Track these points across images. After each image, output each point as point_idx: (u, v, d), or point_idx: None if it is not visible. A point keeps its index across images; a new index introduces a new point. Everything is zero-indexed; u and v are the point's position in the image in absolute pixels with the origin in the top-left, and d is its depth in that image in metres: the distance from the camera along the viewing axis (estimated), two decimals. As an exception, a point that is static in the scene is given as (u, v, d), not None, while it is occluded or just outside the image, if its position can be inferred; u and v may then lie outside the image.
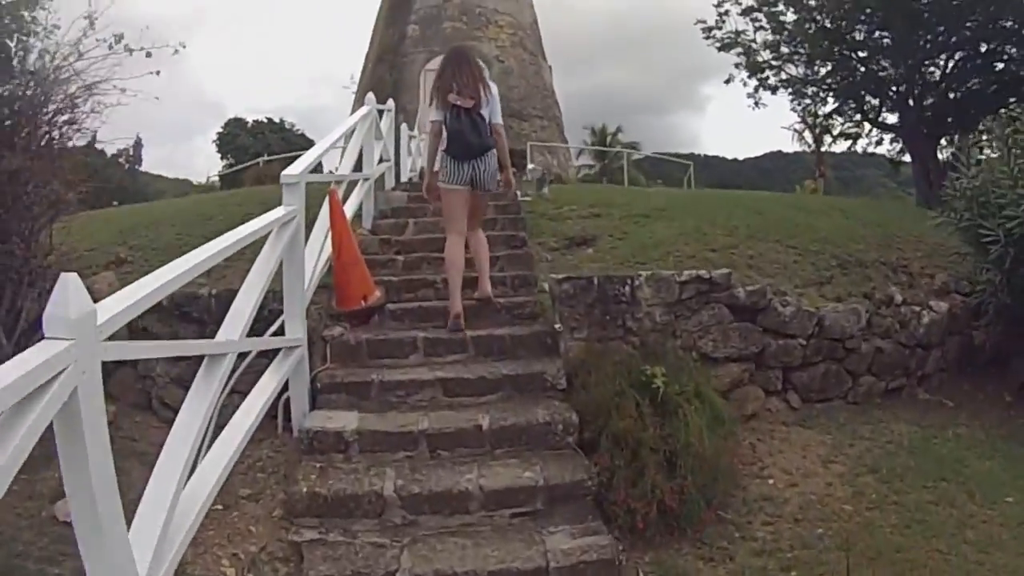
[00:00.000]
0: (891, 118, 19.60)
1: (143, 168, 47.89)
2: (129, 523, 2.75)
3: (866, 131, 21.25)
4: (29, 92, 5.45)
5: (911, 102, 17.90)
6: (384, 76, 23.42)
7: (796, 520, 4.82)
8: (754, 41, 20.03)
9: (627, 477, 4.53)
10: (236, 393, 4.67)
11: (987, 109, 15.37)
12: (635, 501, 4.41)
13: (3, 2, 6.01)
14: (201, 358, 3.55)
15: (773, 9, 19.24)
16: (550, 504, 4.47)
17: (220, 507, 4.46)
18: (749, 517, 4.84)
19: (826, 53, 18.51)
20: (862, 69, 18.59)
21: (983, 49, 16.80)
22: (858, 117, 20.70)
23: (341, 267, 5.93)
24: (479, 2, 24.16)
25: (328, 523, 4.35)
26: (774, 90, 20.43)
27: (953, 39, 16.69)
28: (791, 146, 39.53)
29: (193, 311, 5.90)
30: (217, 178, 36.57)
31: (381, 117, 9.74)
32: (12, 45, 5.73)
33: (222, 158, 42.12)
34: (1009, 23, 15.76)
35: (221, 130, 44.12)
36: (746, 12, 19.75)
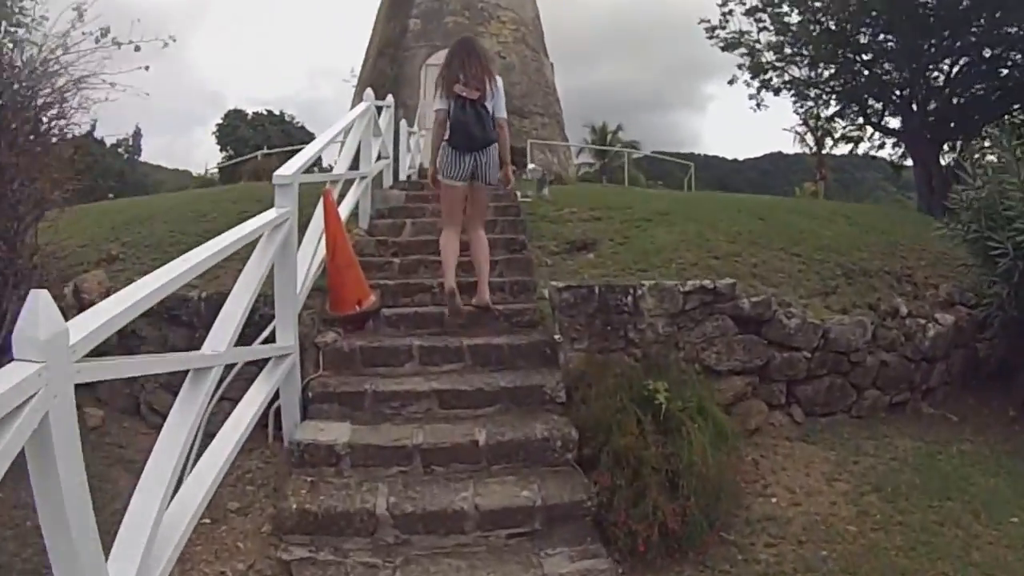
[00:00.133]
0: (893, 122, 19.57)
1: (143, 158, 47.74)
2: (114, 536, 2.67)
3: (868, 135, 21.29)
4: (15, 86, 5.26)
5: (914, 106, 17.86)
6: (385, 70, 23.24)
7: (800, 542, 4.68)
8: (758, 42, 20.01)
9: (628, 497, 4.37)
10: (227, 400, 4.56)
11: (990, 115, 15.40)
12: (636, 523, 4.25)
13: None
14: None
15: (777, 10, 19.20)
16: (548, 524, 4.32)
17: (208, 521, 4.34)
18: (752, 538, 4.69)
19: (830, 55, 18.44)
20: (866, 72, 18.54)
21: (987, 55, 16.69)
22: (860, 120, 20.70)
23: (335, 270, 5.77)
24: (481, -3, 24.02)
25: (318, 541, 4.20)
26: (777, 91, 20.43)
27: (958, 44, 16.64)
28: (791, 148, 39.39)
29: (183, 315, 5.76)
30: (216, 170, 36.41)
31: (380, 113, 9.57)
32: None
33: (221, 150, 41.81)
34: (1014, 29, 15.65)
35: (221, 121, 43.76)
36: (750, 12, 19.71)
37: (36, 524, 4.13)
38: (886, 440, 6.13)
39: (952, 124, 17.69)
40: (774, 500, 5.14)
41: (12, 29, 5.68)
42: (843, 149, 24.04)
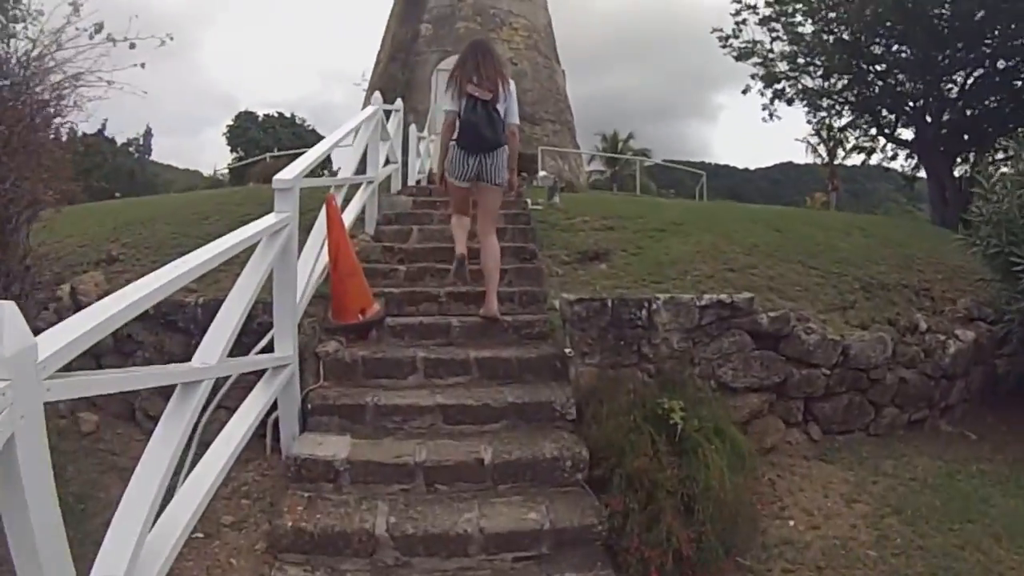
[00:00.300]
0: (906, 133, 19.54)
1: (153, 158, 47.72)
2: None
3: (881, 145, 21.22)
4: (7, 81, 5.09)
5: (928, 118, 17.79)
6: (396, 75, 23.15)
7: (818, 567, 4.48)
8: (771, 51, 19.99)
9: (641, 522, 4.15)
10: (224, 408, 4.39)
11: (1004, 127, 15.30)
12: (649, 549, 4.03)
13: None
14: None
15: (790, 20, 19.19)
16: (557, 549, 4.11)
17: (201, 535, 4.18)
18: (769, 564, 4.49)
19: (843, 66, 18.41)
20: (879, 83, 18.51)
21: (1001, 66, 16.61)
22: (873, 131, 20.67)
23: (338, 278, 5.57)
24: (493, 3, 23.87)
25: (314, 560, 4.00)
26: (790, 102, 20.42)
27: (971, 55, 16.56)
28: (802, 157, 39.36)
29: (179, 320, 5.59)
30: (227, 171, 36.38)
31: (389, 117, 9.41)
32: None
33: (232, 151, 41.82)
34: (1028, 41, 15.54)
35: (231, 123, 43.70)
36: (763, 22, 19.70)
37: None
38: (905, 459, 5.96)
39: (965, 136, 17.66)
40: (791, 523, 4.95)
41: (6, 24, 5.50)
42: (855, 160, 24.11)
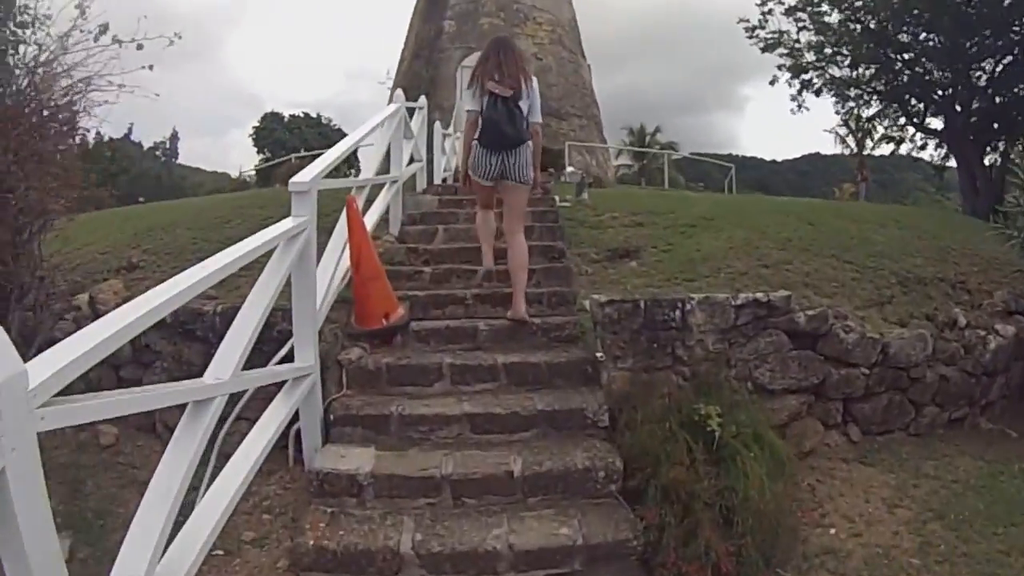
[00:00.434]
0: (935, 123, 19.33)
1: (181, 161, 48.17)
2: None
3: (910, 135, 21.04)
4: (16, 87, 4.96)
5: (957, 106, 17.59)
6: (420, 72, 23.07)
7: (861, 578, 4.29)
8: (797, 41, 19.86)
9: (678, 536, 3.97)
10: (243, 419, 4.29)
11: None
12: (687, 564, 3.85)
13: None
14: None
15: (817, 9, 19.05)
16: (590, 565, 3.91)
17: (221, 552, 4.06)
18: (810, 575, 4.31)
19: (871, 55, 18.26)
20: (907, 72, 18.33)
21: (1030, 54, 16.41)
22: (902, 120, 20.50)
23: (360, 282, 5.40)
24: (517, -2, 23.69)
25: (338, 580, 3.83)
26: (818, 92, 20.33)
27: (1000, 43, 16.35)
28: (829, 148, 39.03)
29: (197, 329, 5.43)
30: (254, 172, 36.55)
31: (413, 115, 9.25)
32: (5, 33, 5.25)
33: (259, 152, 42.02)
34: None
35: (257, 124, 43.90)
36: (789, 12, 19.54)
37: None
38: (946, 460, 5.79)
39: (995, 124, 17.44)
40: (832, 531, 4.76)
41: (16, 30, 5.37)
42: (884, 150, 23.98)
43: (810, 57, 19.81)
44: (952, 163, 19.76)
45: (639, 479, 4.27)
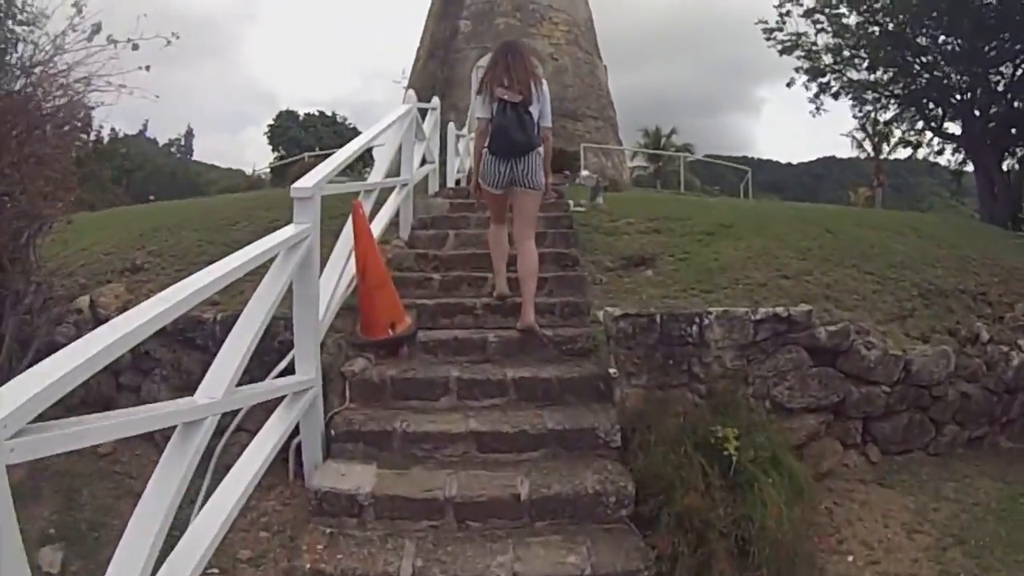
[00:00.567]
0: (953, 127, 19.33)
1: (197, 157, 48.33)
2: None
3: (927, 140, 21.12)
4: (14, 87, 4.81)
5: (976, 111, 17.54)
6: (435, 72, 22.94)
7: (878, 610, 4.14)
8: (815, 44, 19.88)
9: (691, 567, 3.82)
10: (243, 431, 4.20)
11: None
12: (699, 597, 3.66)
13: None
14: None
15: (835, 11, 19.07)
16: (598, 595, 3.72)
17: (216, 571, 3.93)
18: (827, 606, 4.14)
19: (889, 58, 18.26)
20: (925, 76, 18.29)
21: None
22: (920, 125, 20.52)
23: (366, 291, 5.23)
24: (533, -2, 23.50)
25: (334, 607, 3.66)
26: (836, 95, 20.33)
27: (1018, 46, 16.28)
28: (845, 151, 38.93)
29: (197, 338, 5.28)
30: (269, 170, 36.59)
31: (426, 116, 9.08)
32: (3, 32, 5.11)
33: (273, 150, 42.08)
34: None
35: (272, 122, 43.94)
36: (807, 14, 19.55)
37: (35, 563, 3.87)
38: (967, 480, 5.60)
39: (1013, 129, 17.33)
40: (850, 558, 4.59)
41: (15, 28, 5.22)
42: (901, 154, 24.05)
43: (828, 60, 19.81)
44: (969, 168, 19.69)
45: (652, 505, 4.09)
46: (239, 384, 3.33)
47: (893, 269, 7.07)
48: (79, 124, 5.30)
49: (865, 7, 18.07)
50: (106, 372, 4.73)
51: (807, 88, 20.39)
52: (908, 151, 22.46)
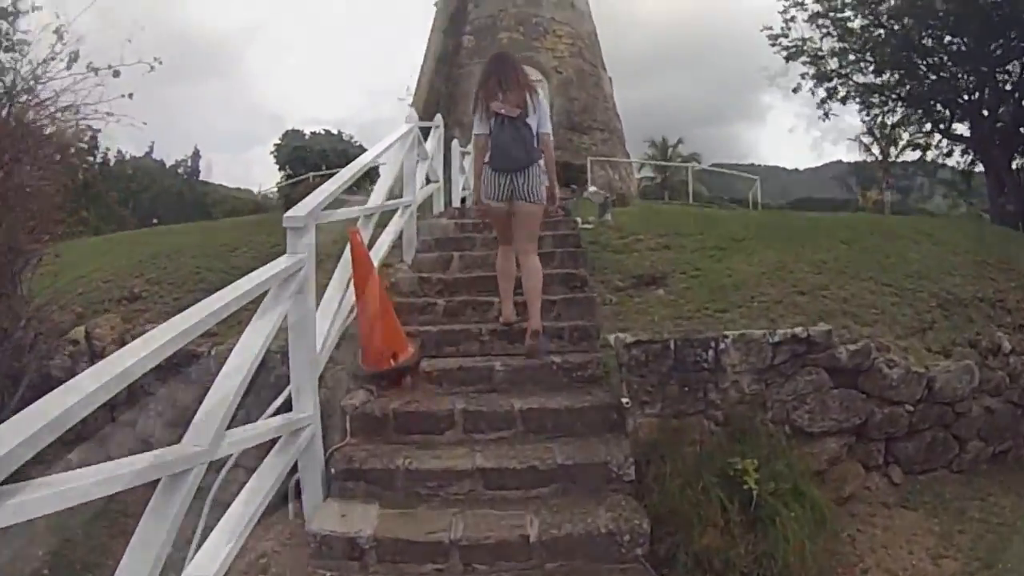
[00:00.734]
0: (961, 128, 19.33)
1: (204, 178, 48.37)
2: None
3: (936, 142, 20.95)
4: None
5: (984, 111, 17.53)
6: (439, 88, 22.78)
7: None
8: (820, 49, 19.88)
9: (711, 610, 3.58)
10: (240, 467, 3.92)
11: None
12: (720, 643, 3.46)
13: None
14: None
15: (840, 15, 19.07)
16: (613, 644, 3.50)
17: None
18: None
19: (895, 60, 18.27)
20: (932, 77, 18.30)
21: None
22: (928, 127, 20.50)
23: (366, 320, 5.02)
24: (536, 12, 23.31)
25: (334, 659, 3.47)
26: (843, 100, 20.29)
27: None
28: (851, 155, 38.90)
29: (192, 372, 5.10)
30: (276, 190, 36.57)
31: (429, 134, 8.92)
32: None
33: (280, 169, 41.96)
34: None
35: (279, 141, 43.83)
36: (812, 19, 19.56)
37: None
38: (991, 499, 5.47)
39: (1022, 129, 17.26)
40: (875, 589, 4.42)
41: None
42: (907, 156, 23.98)
43: (833, 64, 19.79)
44: (978, 168, 19.74)
45: (668, 543, 3.91)
46: (233, 423, 3.16)
47: (910, 279, 6.92)
48: (69, 154, 5.15)
49: (870, 10, 18.11)
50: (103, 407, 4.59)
51: (813, 94, 20.41)
52: (916, 154, 22.54)
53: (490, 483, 4.27)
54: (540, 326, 5.51)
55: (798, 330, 5.19)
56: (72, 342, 6.02)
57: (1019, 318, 6.71)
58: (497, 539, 3.85)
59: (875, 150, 35.43)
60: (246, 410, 3.46)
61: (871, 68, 19.24)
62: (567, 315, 6.00)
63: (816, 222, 9.98)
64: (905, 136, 22.88)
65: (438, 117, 10.24)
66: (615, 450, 4.44)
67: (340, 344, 5.13)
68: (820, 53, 19.75)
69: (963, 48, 16.99)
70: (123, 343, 3.07)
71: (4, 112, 4.72)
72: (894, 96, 19.56)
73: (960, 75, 17.64)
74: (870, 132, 30.36)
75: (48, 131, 4.85)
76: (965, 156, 20.08)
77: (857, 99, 20.09)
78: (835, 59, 19.62)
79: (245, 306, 3.49)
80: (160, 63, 5.34)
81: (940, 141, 20.47)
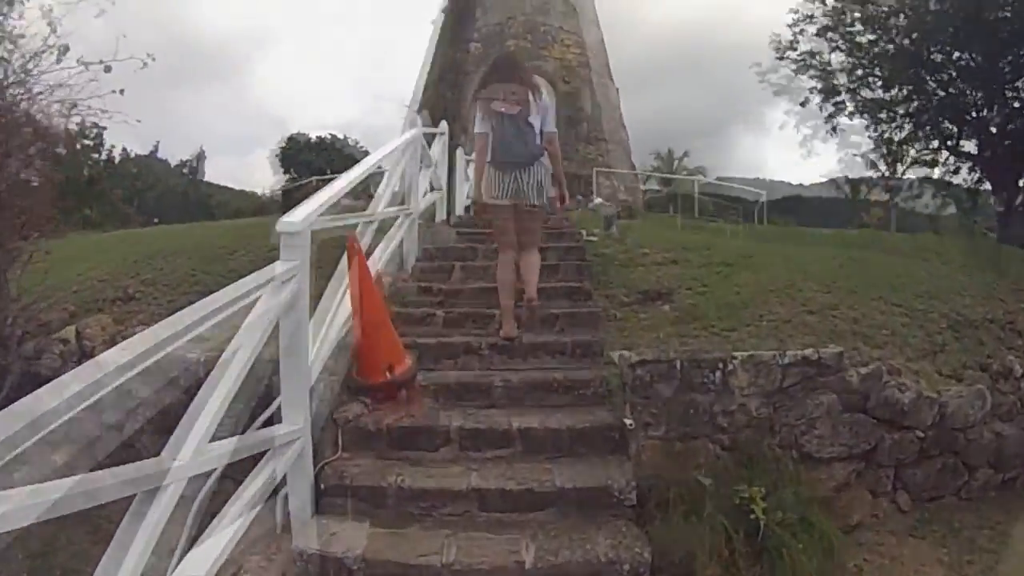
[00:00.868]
0: (968, 146, 19.36)
1: (208, 179, 48.39)
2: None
3: (943, 159, 21.03)
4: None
5: (992, 128, 17.63)
6: (445, 95, 22.69)
7: None
8: (828, 64, 20.06)
9: (715, 648, 3.42)
10: (227, 478, 3.68)
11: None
12: None
13: None
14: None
15: (849, 29, 19.15)
16: None
17: None
18: None
19: (903, 76, 18.32)
20: (941, 93, 18.35)
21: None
22: (935, 144, 20.51)
23: (362, 331, 4.84)
24: (544, 20, 23.26)
25: None
26: (851, 115, 20.54)
27: None
28: (856, 171, 38.95)
29: (180, 379, 4.92)
30: (281, 193, 36.53)
31: (433, 141, 8.79)
32: None
33: (284, 172, 41.93)
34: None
35: (283, 144, 43.80)
36: (821, 32, 19.65)
37: None
38: (1000, 527, 5.31)
39: None
40: (882, 623, 4.28)
41: None
42: (914, 173, 24.99)
43: (842, 79, 19.89)
44: (985, 186, 19.79)
45: (671, 575, 3.71)
46: (217, 436, 3.03)
47: (920, 299, 6.83)
48: (67, 150, 5.03)
49: (879, 25, 18.20)
50: (91, 411, 4.44)
51: (821, 109, 20.57)
52: (923, 171, 22.80)
53: (485, 504, 4.11)
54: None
55: (809, 352, 5.07)
56: (62, 341, 5.94)
57: (1026, 337, 6.60)
58: (491, 565, 3.68)
59: (881, 166, 35.39)
60: (235, 419, 3.30)
61: (879, 83, 19.30)
62: (571, 330, 5.86)
63: (825, 238, 10.00)
64: (912, 152, 22.97)
65: (443, 124, 10.10)
66: (617, 474, 4.26)
67: (334, 354, 4.96)
68: (828, 68, 19.84)
69: (972, 64, 17.05)
70: (114, 344, 2.97)
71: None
72: (902, 112, 19.63)
73: (968, 92, 17.69)
74: (876, 148, 30.38)
75: (40, 126, 4.73)
76: (972, 174, 20.07)
77: (865, 114, 20.18)
78: (844, 74, 19.72)
79: (240, 312, 3.35)
80: (153, 59, 5.22)
81: (947, 158, 20.53)
